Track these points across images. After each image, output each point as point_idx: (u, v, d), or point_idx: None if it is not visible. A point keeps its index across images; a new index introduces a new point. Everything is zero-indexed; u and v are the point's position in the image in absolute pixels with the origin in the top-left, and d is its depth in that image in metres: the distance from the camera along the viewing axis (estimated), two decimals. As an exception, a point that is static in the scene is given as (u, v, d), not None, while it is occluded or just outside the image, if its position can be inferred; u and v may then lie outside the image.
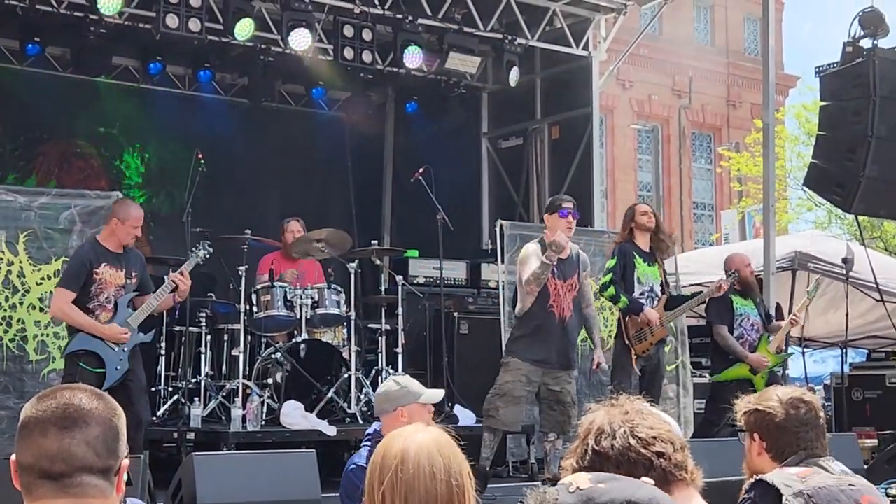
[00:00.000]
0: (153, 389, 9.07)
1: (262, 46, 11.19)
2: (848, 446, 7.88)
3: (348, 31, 10.68)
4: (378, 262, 10.45)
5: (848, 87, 9.67)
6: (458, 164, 12.74)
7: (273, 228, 10.19)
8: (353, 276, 9.27)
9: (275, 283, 9.11)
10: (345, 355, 9.08)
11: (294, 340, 9.05)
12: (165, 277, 7.63)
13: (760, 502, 3.38)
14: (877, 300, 11.39)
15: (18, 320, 7.99)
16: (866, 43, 9.61)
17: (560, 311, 7.72)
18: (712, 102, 31.15)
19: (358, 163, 14.21)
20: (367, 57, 10.83)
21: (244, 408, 8.21)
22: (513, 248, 9.98)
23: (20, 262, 8.04)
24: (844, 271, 10.72)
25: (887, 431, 10.75)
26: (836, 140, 9.77)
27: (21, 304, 8.02)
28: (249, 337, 9.07)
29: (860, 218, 12.41)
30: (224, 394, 8.78)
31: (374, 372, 9.35)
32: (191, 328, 9.21)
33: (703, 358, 11.41)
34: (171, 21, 9.62)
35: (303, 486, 6.12)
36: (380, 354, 9.49)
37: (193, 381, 8.98)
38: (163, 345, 9.18)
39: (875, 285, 10.84)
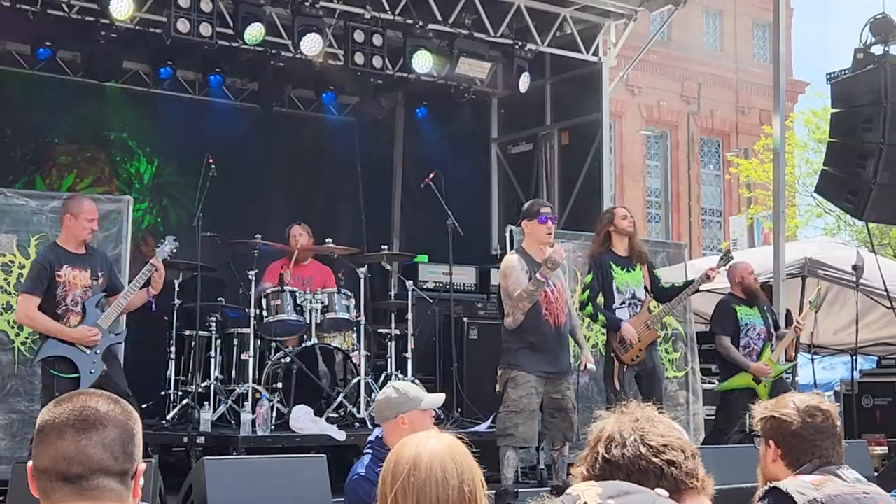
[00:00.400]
0: (163, 393, 9.10)
1: (273, 51, 11.20)
2: (858, 453, 7.87)
3: (359, 37, 10.68)
4: (388, 266, 10.46)
5: (859, 93, 9.67)
6: (467, 169, 12.74)
7: (282, 233, 10.20)
8: (362, 281, 9.28)
9: (285, 288, 9.12)
10: (354, 360, 9.08)
11: (304, 345, 9.05)
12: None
13: (774, 510, 3.37)
14: (887, 307, 11.37)
15: (29, 323, 7.97)
16: (878, 49, 9.61)
17: (555, 319, 7.66)
18: (721, 108, 31.16)
19: (367, 167, 14.23)
20: (377, 62, 10.82)
21: (254, 412, 8.21)
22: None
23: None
24: (855, 278, 10.70)
25: (897, 438, 10.73)
26: (848, 147, 9.77)
27: (32, 307, 8.00)
28: (259, 341, 9.09)
29: (870, 224, 12.39)
30: (234, 398, 8.78)
31: (383, 377, 9.36)
32: (201, 332, 9.20)
33: (713, 364, 11.41)
34: (183, 26, 9.62)
35: (313, 491, 6.12)
36: (389, 359, 9.50)
37: (203, 385, 8.98)
38: (172, 349, 9.19)
39: (885, 292, 10.81)
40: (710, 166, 31.76)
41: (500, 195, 13.36)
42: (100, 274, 7.25)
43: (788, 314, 10.22)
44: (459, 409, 9.35)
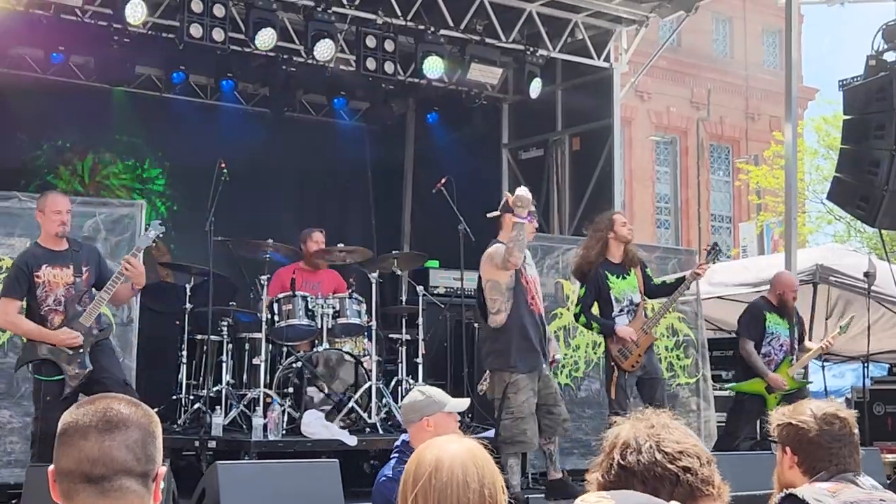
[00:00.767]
0: (174, 397, 9.10)
1: (285, 56, 11.23)
2: (871, 461, 7.85)
3: (370, 42, 10.71)
4: (399, 272, 10.46)
5: (871, 100, 9.65)
6: (477, 174, 12.72)
7: (293, 238, 10.20)
8: (374, 286, 9.28)
9: (296, 293, 9.13)
10: (365, 365, 9.08)
11: (315, 350, 9.06)
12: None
13: (791, 517, 3.37)
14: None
15: (43, 327, 7.98)
16: (890, 56, 9.59)
17: (537, 308, 7.64)
18: (731, 115, 31.14)
19: (378, 173, 14.24)
20: (389, 67, 10.85)
21: (265, 417, 8.21)
22: (534, 260, 9.96)
23: (45, 269, 8.05)
24: (866, 285, 10.68)
25: (909, 446, 10.71)
26: (860, 154, 9.75)
27: (45, 311, 8.02)
28: (270, 346, 9.09)
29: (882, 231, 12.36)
30: (245, 402, 8.78)
31: (394, 382, 9.35)
32: (212, 337, 9.22)
33: (724, 371, 11.40)
34: (195, 31, 9.66)
35: (327, 496, 6.13)
36: (400, 364, 9.49)
37: (214, 389, 8.98)
38: (184, 353, 9.20)
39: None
40: (720, 172, 31.73)
41: (510, 201, 13.33)
42: (84, 269, 7.05)
43: (800, 320, 10.21)
44: (470, 415, 9.34)
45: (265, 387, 8.66)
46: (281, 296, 9.14)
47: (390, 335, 9.93)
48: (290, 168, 13.39)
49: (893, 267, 10.26)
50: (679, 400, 10.44)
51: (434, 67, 11.09)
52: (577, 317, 8.45)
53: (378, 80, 11.33)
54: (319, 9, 10.38)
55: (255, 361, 8.88)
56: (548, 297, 10.08)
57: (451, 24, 11.24)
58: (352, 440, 8.26)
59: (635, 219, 26.01)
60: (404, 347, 9.54)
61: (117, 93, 12.35)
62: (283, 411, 8.46)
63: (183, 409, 9.03)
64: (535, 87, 11.67)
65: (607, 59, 12.19)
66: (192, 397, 9.14)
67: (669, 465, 2.31)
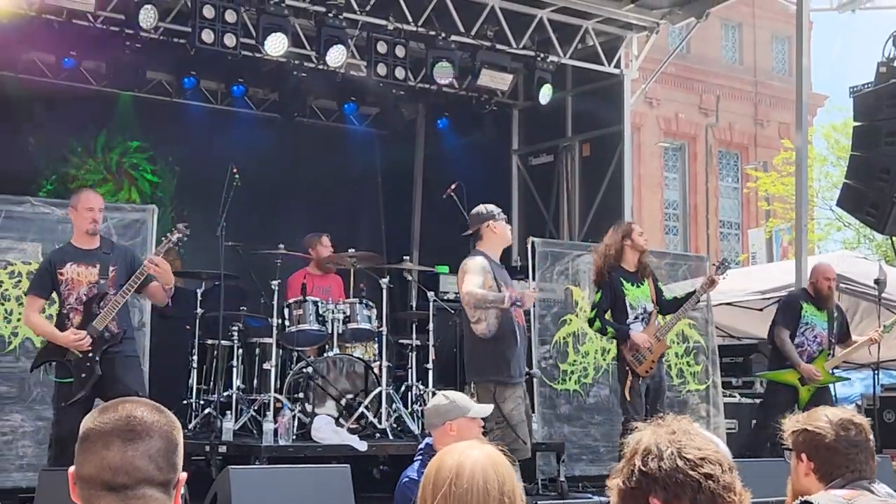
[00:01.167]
0: (184, 402, 9.12)
1: (295, 62, 11.25)
2: (882, 468, 7.80)
3: (381, 48, 10.73)
4: (409, 277, 10.47)
5: (882, 106, 9.63)
6: (488, 180, 12.72)
7: (301, 244, 10.23)
8: (384, 292, 9.28)
9: (307, 298, 9.14)
10: (375, 370, 9.09)
11: (325, 355, 9.07)
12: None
13: (807, 524, 3.37)
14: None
15: (55, 332, 8.00)
16: (901, 63, 9.57)
17: (521, 320, 7.47)
18: (739, 121, 31.13)
19: (388, 178, 14.27)
20: (399, 73, 10.87)
21: (276, 422, 8.22)
22: (544, 266, 10.00)
23: (57, 273, 8.07)
24: (877, 292, 10.65)
25: (920, 453, 10.67)
26: (870, 160, 9.73)
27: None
28: (281, 351, 9.10)
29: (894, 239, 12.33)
30: (255, 407, 8.80)
31: (404, 387, 9.36)
32: (223, 342, 9.23)
33: (734, 377, 11.38)
34: (207, 36, 9.68)
35: (338, 501, 6.13)
36: (410, 370, 9.50)
37: (225, 394, 8.99)
38: (195, 358, 9.22)
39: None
40: (729, 179, 31.71)
41: (520, 207, 13.37)
42: (111, 270, 6.88)
43: (842, 316, 10.18)
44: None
45: (276, 392, 8.67)
46: (291, 301, 9.16)
47: (400, 340, 9.94)
48: (300, 173, 13.41)
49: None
50: (689, 406, 10.43)
51: (445, 73, 11.08)
52: (591, 322, 8.47)
53: (389, 86, 11.35)
54: (331, 14, 10.41)
55: (266, 366, 8.89)
56: (557, 303, 10.10)
57: (461, 29, 11.26)
58: (362, 445, 8.26)
59: (644, 225, 25.87)
60: (414, 353, 9.54)
61: (128, 97, 12.40)
62: (294, 416, 8.47)
63: (193, 413, 9.04)
64: (545, 94, 11.68)
65: (618, 66, 12.21)
66: (202, 402, 9.15)
67: (691, 472, 2.31)
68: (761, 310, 12.04)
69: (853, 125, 10.27)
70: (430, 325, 9.60)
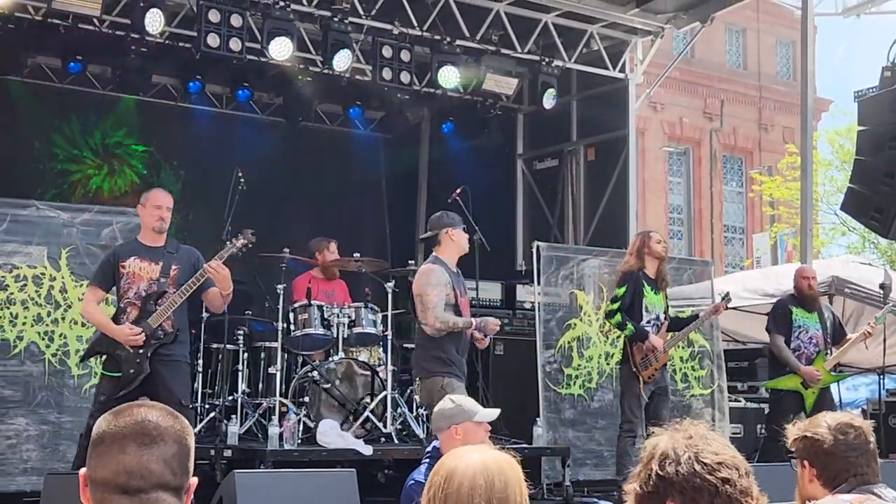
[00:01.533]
0: (190, 406, 9.11)
1: (301, 66, 11.26)
2: (888, 473, 7.81)
3: (387, 52, 10.73)
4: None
5: (886, 111, 9.63)
6: (492, 185, 12.76)
7: (307, 247, 10.22)
8: (389, 296, 9.28)
9: (312, 302, 9.14)
10: (381, 374, 9.09)
11: (330, 359, 9.07)
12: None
13: (815, 529, 3.37)
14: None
15: (61, 335, 8.03)
16: (906, 68, 9.56)
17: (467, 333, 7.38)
18: (744, 126, 31.09)
19: (393, 182, 14.28)
20: (404, 77, 10.86)
21: (281, 426, 8.22)
22: (549, 270, 9.99)
23: (62, 277, 8.10)
24: (882, 297, 10.64)
25: (925, 458, 10.65)
26: (874, 165, 9.71)
27: (63, 319, 8.06)
28: (286, 355, 9.10)
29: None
30: (261, 412, 8.80)
31: (409, 391, 9.34)
32: (228, 346, 9.24)
33: (739, 382, 11.37)
34: (213, 40, 9.68)
35: (343, 505, 6.12)
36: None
37: (230, 398, 9.01)
38: (200, 362, 9.22)
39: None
40: (733, 183, 31.68)
41: (525, 211, 13.38)
42: (173, 269, 6.84)
43: (833, 315, 10.19)
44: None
45: (281, 396, 8.67)
46: (297, 305, 9.16)
47: (405, 344, 9.93)
48: (305, 177, 13.43)
49: (910, 279, 10.23)
50: (693, 411, 10.42)
51: (450, 78, 11.09)
52: (610, 314, 8.49)
53: (394, 90, 11.37)
54: (336, 19, 10.41)
55: (271, 370, 8.91)
56: (562, 307, 10.10)
57: (466, 34, 11.26)
58: (367, 450, 8.26)
59: (648, 230, 25.96)
60: (419, 357, 9.52)
61: (133, 101, 12.43)
62: (299, 420, 8.47)
63: (198, 417, 9.03)
64: (549, 98, 11.66)
65: (622, 70, 12.21)
66: (207, 406, 9.16)
67: (708, 476, 2.31)
68: (767, 314, 12.02)
69: (857, 129, 10.25)
70: (435, 330, 9.58)
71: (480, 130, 12.88)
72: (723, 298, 8.95)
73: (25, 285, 8.00)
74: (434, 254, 7.37)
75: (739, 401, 10.98)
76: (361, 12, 10.74)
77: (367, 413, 8.75)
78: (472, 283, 10.40)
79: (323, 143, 13.64)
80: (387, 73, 10.75)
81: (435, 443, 5.46)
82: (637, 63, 12.33)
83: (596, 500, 8.89)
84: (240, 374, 9.07)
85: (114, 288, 6.97)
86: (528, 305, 11.10)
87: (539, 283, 9.99)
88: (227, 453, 8.10)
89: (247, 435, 8.66)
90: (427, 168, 14.30)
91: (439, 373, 7.11)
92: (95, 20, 10.12)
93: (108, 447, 2.11)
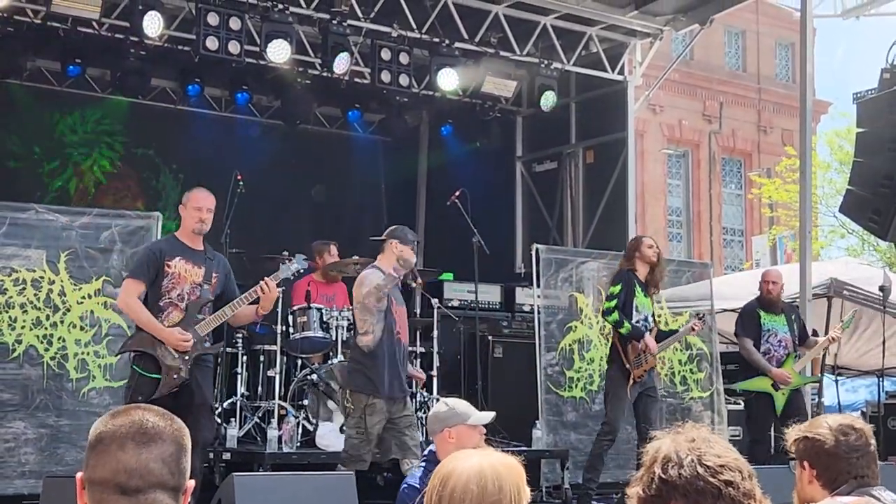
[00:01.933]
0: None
1: (299, 69, 11.26)
2: (887, 475, 7.80)
3: (385, 55, 10.75)
4: (413, 284, 10.45)
5: (885, 113, 9.63)
6: (491, 187, 12.77)
7: (307, 250, 10.20)
8: (388, 299, 9.26)
9: (311, 305, 9.14)
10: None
11: (329, 362, 9.07)
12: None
13: (813, 531, 3.36)
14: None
15: (59, 339, 8.00)
16: (905, 70, 9.56)
17: (404, 338, 7.34)
18: (743, 128, 31.07)
19: (392, 185, 14.28)
20: (403, 80, 10.88)
21: (280, 429, 8.22)
22: (548, 273, 9.99)
23: (61, 280, 8.08)
24: (881, 299, 10.65)
25: (924, 460, 10.65)
26: (873, 167, 9.70)
27: (62, 322, 8.04)
28: (285, 358, 9.10)
29: (896, 246, 12.34)
30: (260, 414, 8.80)
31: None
32: (227, 349, 9.23)
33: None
34: (212, 43, 9.70)
35: (343, 508, 6.12)
36: (414, 377, 9.49)
37: (229, 401, 9.00)
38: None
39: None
40: (732, 186, 31.66)
41: (524, 213, 13.39)
42: (214, 276, 6.74)
43: (815, 333, 10.22)
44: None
45: (280, 399, 8.67)
46: (296, 308, 9.16)
47: (404, 347, 9.92)
48: (304, 180, 13.44)
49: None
50: (692, 413, 10.42)
51: (449, 80, 11.09)
52: (607, 312, 8.51)
53: (392, 93, 11.38)
54: (335, 22, 10.42)
55: (270, 373, 8.91)
56: (562, 310, 10.09)
57: (465, 36, 11.27)
58: (366, 453, 8.24)
59: (647, 232, 25.93)
60: (419, 360, 9.54)
61: (132, 104, 12.42)
62: (298, 423, 8.48)
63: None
64: (547, 101, 11.65)
65: (621, 73, 12.22)
66: (206, 409, 9.14)
67: (711, 479, 2.31)
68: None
69: (856, 131, 10.26)
70: (435, 333, 9.62)
71: (479, 133, 12.89)
72: (699, 318, 9.15)
73: (24, 289, 7.98)
74: (376, 260, 7.31)
75: (738, 403, 10.93)
76: (360, 15, 10.75)
77: (366, 416, 8.73)
78: (470, 286, 10.46)
79: (322, 146, 13.65)
80: (386, 76, 10.77)
81: (431, 447, 5.44)
82: (636, 65, 12.33)
83: (595, 502, 8.88)
84: (239, 377, 9.07)
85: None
86: (527, 308, 11.12)
87: (538, 286, 9.99)
88: (226, 456, 8.11)
89: (246, 438, 8.66)
90: (426, 170, 14.31)
91: (369, 391, 7.01)
92: (94, 23, 10.13)
93: (106, 447, 2.11)
